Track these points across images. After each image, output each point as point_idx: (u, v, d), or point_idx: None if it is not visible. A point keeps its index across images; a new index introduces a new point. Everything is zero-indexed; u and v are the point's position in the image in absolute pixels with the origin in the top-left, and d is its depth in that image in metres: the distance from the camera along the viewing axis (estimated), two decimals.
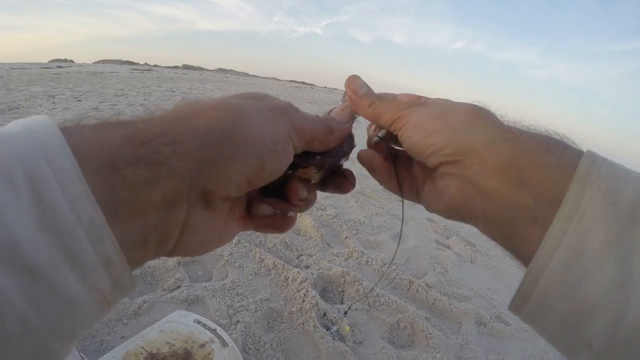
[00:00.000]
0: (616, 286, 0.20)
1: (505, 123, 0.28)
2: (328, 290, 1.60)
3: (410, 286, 1.75)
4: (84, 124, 0.19)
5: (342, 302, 1.54)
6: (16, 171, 0.15)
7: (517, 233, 0.26)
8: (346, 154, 0.34)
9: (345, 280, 1.62)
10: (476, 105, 0.29)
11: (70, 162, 0.16)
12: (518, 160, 0.25)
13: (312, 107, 9.14)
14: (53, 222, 0.16)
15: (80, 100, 4.85)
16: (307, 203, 0.32)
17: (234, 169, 0.23)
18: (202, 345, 1.08)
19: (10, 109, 3.72)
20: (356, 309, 1.50)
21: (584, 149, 0.25)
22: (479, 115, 0.28)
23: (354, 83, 0.35)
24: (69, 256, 0.16)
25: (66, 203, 0.16)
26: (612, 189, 0.22)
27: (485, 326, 1.67)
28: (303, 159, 0.30)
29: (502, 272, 2.32)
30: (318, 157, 0.31)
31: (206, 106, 0.23)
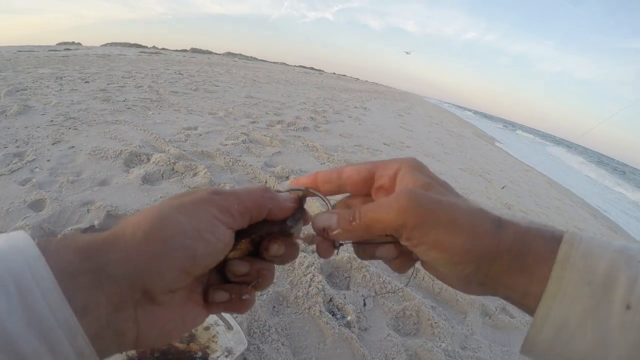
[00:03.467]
0: (596, 343, 0.26)
1: (500, 218, 0.31)
2: (334, 275, 1.59)
3: (416, 274, 1.74)
4: (52, 239, 0.24)
5: (348, 288, 1.53)
6: (8, 282, 0.20)
7: (516, 303, 0.32)
8: (287, 226, 0.34)
9: (352, 266, 1.61)
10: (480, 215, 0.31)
11: (49, 275, 0.21)
12: (497, 270, 0.30)
13: (320, 93, 9.06)
14: (37, 322, 0.20)
15: (88, 82, 4.83)
16: (260, 277, 0.33)
17: (166, 265, 0.25)
18: (207, 328, 1.08)
19: (18, 91, 3.71)
20: (362, 295, 1.49)
21: (566, 231, 0.30)
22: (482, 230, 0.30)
23: (320, 223, 0.35)
24: (50, 348, 0.20)
25: (47, 307, 0.20)
26: (588, 268, 0.27)
27: (490, 317, 1.66)
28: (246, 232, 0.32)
29: None
30: (261, 227, 0.33)
31: (134, 216, 0.27)
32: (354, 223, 0.32)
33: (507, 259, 0.30)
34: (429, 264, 0.32)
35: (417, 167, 0.35)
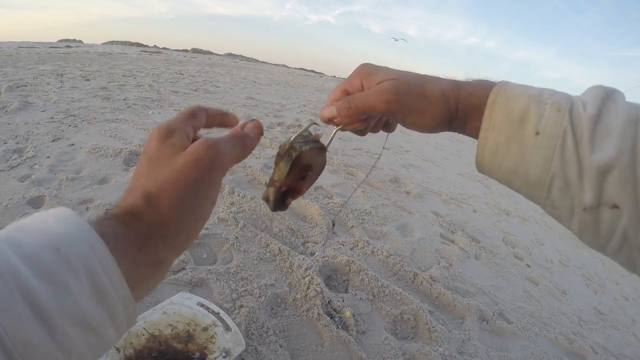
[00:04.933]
0: (520, 160, 0.37)
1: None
2: (333, 278, 1.59)
3: (414, 278, 1.74)
4: (101, 220, 0.29)
5: (346, 291, 1.53)
6: (79, 267, 0.24)
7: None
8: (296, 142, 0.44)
9: (350, 269, 1.61)
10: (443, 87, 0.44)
11: (110, 259, 0.26)
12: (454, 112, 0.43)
13: (320, 96, 9.06)
14: (103, 299, 0.25)
15: (89, 80, 4.83)
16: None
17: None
18: (205, 329, 1.07)
19: (18, 87, 3.70)
20: (360, 298, 1.49)
21: (497, 83, 0.41)
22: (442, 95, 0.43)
23: (324, 114, 0.47)
24: (111, 317, 0.25)
25: (111, 287, 0.25)
26: (508, 108, 0.38)
27: (487, 323, 1.66)
28: None
29: (506, 269, 2.30)
30: None
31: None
32: (350, 110, 0.44)
33: (462, 112, 0.42)
34: (410, 128, 0.45)
35: (374, 69, 0.45)
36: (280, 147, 0.43)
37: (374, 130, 0.52)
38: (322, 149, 0.45)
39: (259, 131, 0.41)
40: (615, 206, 0.33)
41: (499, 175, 0.41)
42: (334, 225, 1.60)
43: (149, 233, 0.30)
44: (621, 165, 0.32)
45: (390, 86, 0.42)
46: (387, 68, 0.45)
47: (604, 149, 0.33)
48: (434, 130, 0.44)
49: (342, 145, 3.90)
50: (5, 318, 0.20)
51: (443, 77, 0.45)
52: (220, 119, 0.42)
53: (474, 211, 3.19)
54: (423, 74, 0.45)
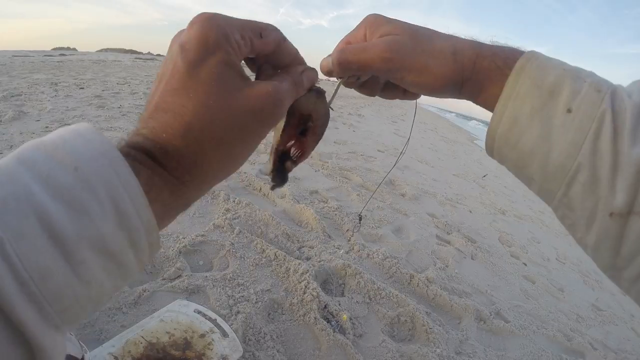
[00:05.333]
0: (542, 139, 0.31)
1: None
2: (329, 282, 1.59)
3: (411, 280, 1.75)
4: (131, 146, 0.27)
5: (342, 295, 1.54)
6: (99, 188, 0.22)
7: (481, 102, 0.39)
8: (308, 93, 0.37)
9: (346, 273, 1.62)
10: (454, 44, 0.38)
11: (135, 181, 0.23)
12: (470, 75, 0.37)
13: None
14: (126, 224, 0.23)
15: (83, 88, 4.82)
16: None
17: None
18: (202, 336, 1.08)
19: (13, 96, 3.70)
20: (357, 301, 1.50)
21: (529, 51, 0.35)
22: (454, 52, 0.37)
23: (322, 67, 0.42)
24: (132, 243, 0.23)
25: (134, 211, 0.23)
26: (539, 76, 0.32)
27: (484, 322, 1.67)
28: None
29: (502, 269, 2.31)
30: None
31: None
32: (341, 64, 0.39)
33: (478, 74, 0.36)
34: (412, 89, 0.40)
35: (382, 20, 0.40)
36: None
37: (387, 94, 0.46)
38: (320, 93, 0.38)
39: (312, 85, 0.37)
40: None
41: (512, 155, 0.34)
42: (360, 219, 1.59)
43: (184, 179, 0.28)
44: None
45: (390, 41, 0.37)
46: (397, 21, 0.39)
47: None
48: (440, 92, 0.38)
49: (336, 149, 3.91)
50: (20, 244, 0.19)
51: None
52: (290, 62, 0.35)
53: (470, 211, 3.21)
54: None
